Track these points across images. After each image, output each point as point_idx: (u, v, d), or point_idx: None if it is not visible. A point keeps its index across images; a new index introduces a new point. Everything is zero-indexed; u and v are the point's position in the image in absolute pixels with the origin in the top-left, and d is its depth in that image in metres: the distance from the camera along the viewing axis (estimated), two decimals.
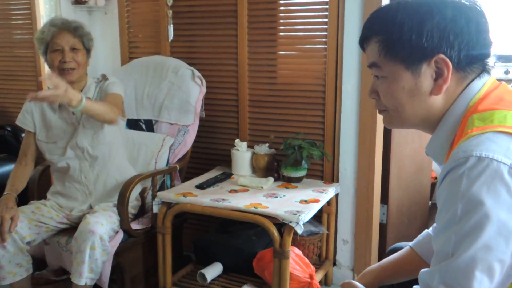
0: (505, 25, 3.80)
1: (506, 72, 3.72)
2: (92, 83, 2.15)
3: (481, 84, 0.96)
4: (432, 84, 0.96)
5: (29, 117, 2.11)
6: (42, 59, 3.00)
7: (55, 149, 2.09)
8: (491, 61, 0.99)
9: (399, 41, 0.96)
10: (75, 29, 2.06)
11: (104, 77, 2.18)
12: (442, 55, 0.93)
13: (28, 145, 2.14)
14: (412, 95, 0.98)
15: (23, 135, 3.02)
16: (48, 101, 1.91)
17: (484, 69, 0.97)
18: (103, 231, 1.86)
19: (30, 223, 1.95)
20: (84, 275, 1.84)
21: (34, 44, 2.94)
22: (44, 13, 3.14)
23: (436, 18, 0.92)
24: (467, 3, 0.95)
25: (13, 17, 3.04)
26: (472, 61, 0.95)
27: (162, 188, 2.31)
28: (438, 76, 0.95)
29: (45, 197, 2.16)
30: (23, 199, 2.03)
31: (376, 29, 1.00)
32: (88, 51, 2.12)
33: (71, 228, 2.06)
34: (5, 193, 2.02)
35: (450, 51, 0.93)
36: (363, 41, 1.03)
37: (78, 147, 2.07)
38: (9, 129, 3.08)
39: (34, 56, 2.99)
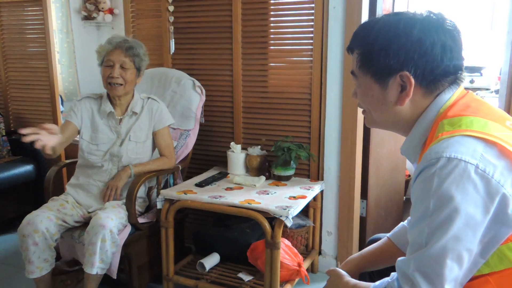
0: (469, 38, 3.86)
1: (472, 81, 3.76)
2: (139, 99, 2.16)
3: (450, 94, 0.97)
4: (397, 96, 0.97)
5: (78, 114, 2.10)
6: (55, 70, 3.00)
7: (95, 151, 2.09)
8: (463, 74, 0.98)
9: (370, 58, 0.97)
10: (127, 49, 2.05)
11: (146, 97, 2.20)
12: (406, 72, 0.93)
13: (64, 128, 2.05)
14: (380, 103, 1.00)
15: None
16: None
17: (454, 81, 0.97)
18: (112, 225, 1.86)
19: (57, 222, 1.93)
20: (95, 265, 1.84)
21: (47, 55, 2.96)
22: (56, 27, 3.13)
23: (402, 39, 0.92)
24: (436, 22, 0.94)
25: (28, 31, 3.03)
26: (437, 78, 0.95)
27: (166, 186, 2.30)
28: (403, 89, 0.96)
29: (61, 191, 2.14)
30: (39, 199, 2.02)
31: (356, 43, 1.02)
32: (138, 70, 2.11)
33: (83, 223, 2.05)
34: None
35: (415, 69, 0.93)
36: (349, 50, 1.04)
37: (117, 156, 2.07)
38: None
39: (48, 67, 2.98)
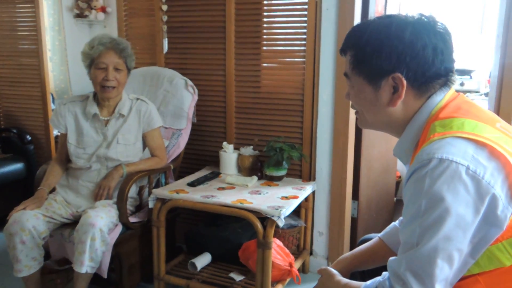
0: (459, 41, 3.89)
1: (462, 84, 3.80)
2: (127, 100, 2.13)
3: (442, 96, 0.97)
4: (390, 97, 0.97)
5: (62, 120, 2.09)
6: (46, 68, 2.96)
7: (82, 154, 2.06)
8: (453, 76, 0.99)
9: (363, 60, 0.97)
10: (121, 50, 2.02)
11: (135, 98, 2.17)
12: (398, 74, 0.94)
13: (63, 145, 2.13)
14: (373, 104, 1.00)
15: (27, 136, 3.00)
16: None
17: (445, 84, 0.98)
18: (102, 224, 1.84)
19: (44, 219, 1.91)
20: (85, 263, 1.82)
21: (39, 53, 2.93)
22: (47, 25, 3.10)
23: (394, 41, 0.93)
24: (428, 25, 0.95)
25: (19, 28, 2.99)
26: (429, 80, 0.95)
27: (157, 185, 2.29)
28: (395, 91, 0.96)
29: (52, 190, 2.13)
30: (29, 197, 2.00)
31: (349, 45, 1.02)
32: (129, 70, 2.09)
33: (73, 222, 2.03)
34: (39, 188, 2.03)
35: (407, 71, 0.93)
36: (342, 52, 1.05)
37: (104, 157, 2.05)
38: (14, 131, 3.03)
39: (39, 64, 2.95)
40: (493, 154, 0.86)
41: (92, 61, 2.02)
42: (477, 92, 3.81)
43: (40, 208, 1.94)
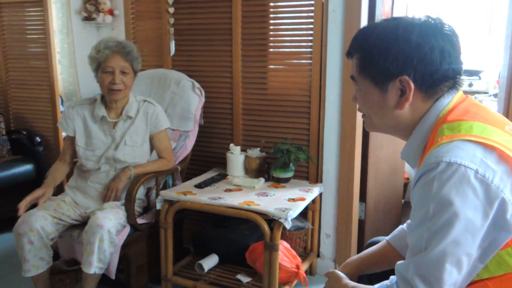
0: (468, 41, 3.86)
1: (470, 85, 3.76)
2: (134, 102, 2.14)
3: (450, 99, 0.96)
4: (397, 100, 0.97)
5: (70, 123, 2.11)
6: (55, 70, 2.99)
7: (92, 156, 2.07)
8: (461, 78, 0.98)
9: (369, 63, 0.97)
10: (127, 54, 2.03)
11: (142, 100, 2.18)
12: (406, 77, 0.93)
13: (68, 147, 2.15)
14: (380, 107, 0.99)
15: (37, 138, 3.02)
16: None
17: (453, 86, 0.97)
18: (110, 225, 1.85)
19: (53, 220, 1.93)
20: (93, 264, 1.83)
21: (47, 56, 2.96)
22: (56, 28, 3.12)
23: (401, 44, 0.92)
24: (435, 27, 0.94)
25: (28, 31, 3.02)
26: (436, 82, 0.94)
27: (165, 187, 2.29)
28: (402, 93, 0.95)
29: (61, 191, 2.14)
30: None
31: (355, 48, 1.01)
32: (135, 73, 2.10)
33: (82, 223, 2.04)
34: (45, 180, 2.06)
35: (414, 74, 0.92)
36: (348, 55, 1.04)
37: (113, 159, 2.06)
38: (24, 133, 3.06)
39: (48, 67, 2.97)
40: (502, 157, 0.85)
41: (99, 65, 2.03)
42: (486, 93, 3.77)
43: (49, 198, 1.98)
